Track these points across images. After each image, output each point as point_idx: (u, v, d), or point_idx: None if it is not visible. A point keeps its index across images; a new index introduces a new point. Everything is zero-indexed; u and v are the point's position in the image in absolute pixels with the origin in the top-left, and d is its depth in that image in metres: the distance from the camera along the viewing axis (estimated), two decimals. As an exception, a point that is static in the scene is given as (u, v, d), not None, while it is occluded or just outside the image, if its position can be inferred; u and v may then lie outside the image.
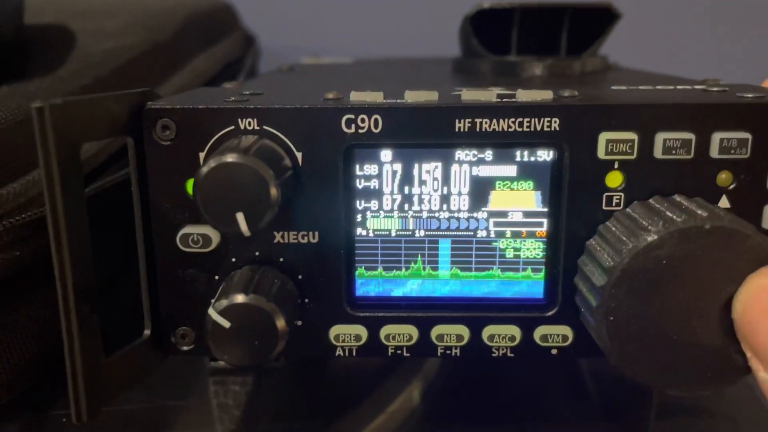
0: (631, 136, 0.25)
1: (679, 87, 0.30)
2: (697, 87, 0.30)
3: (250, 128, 0.26)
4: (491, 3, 0.40)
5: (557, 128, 0.26)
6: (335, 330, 0.28)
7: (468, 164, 0.27)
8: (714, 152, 0.25)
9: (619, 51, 0.49)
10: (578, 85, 0.35)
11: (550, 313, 0.28)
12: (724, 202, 0.26)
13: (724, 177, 0.26)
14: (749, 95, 0.26)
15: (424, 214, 0.28)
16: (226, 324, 0.24)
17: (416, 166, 0.27)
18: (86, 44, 0.44)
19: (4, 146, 0.31)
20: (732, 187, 0.26)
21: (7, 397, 0.31)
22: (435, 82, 0.40)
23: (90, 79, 0.40)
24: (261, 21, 0.73)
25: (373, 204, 0.28)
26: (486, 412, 0.33)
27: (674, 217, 0.23)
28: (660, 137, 0.25)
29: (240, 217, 0.23)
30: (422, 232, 0.28)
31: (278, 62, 0.57)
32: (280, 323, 0.24)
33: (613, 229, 0.25)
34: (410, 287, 0.29)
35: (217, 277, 0.27)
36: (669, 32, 0.73)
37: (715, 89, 0.28)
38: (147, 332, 0.28)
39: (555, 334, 0.28)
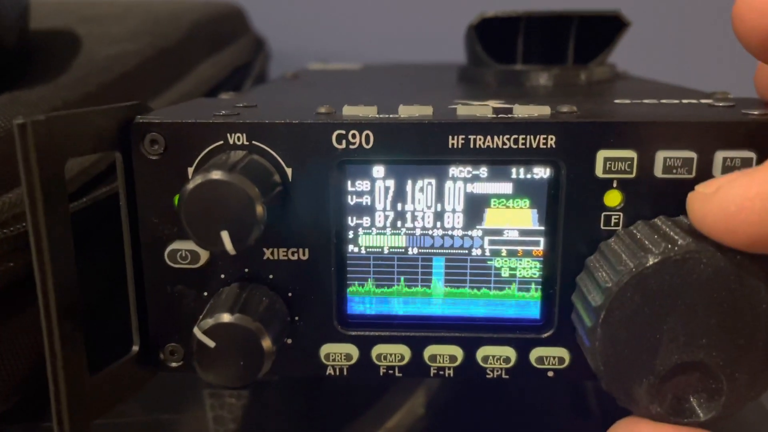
0: (630, 154, 0.25)
1: (684, 101, 0.29)
2: (703, 101, 0.29)
3: (239, 143, 0.25)
4: (495, 11, 0.39)
5: (554, 145, 0.25)
6: (326, 349, 0.28)
7: (462, 181, 0.26)
8: (717, 171, 0.24)
9: (628, 59, 0.48)
10: (582, 97, 0.34)
11: (546, 335, 0.27)
12: (727, 223, 0.25)
13: (727, 197, 0.25)
14: (754, 112, 0.25)
15: (418, 232, 0.27)
16: (211, 344, 0.24)
17: (409, 182, 0.26)
18: (91, 50, 0.44)
19: (0, 155, 0.30)
20: None
21: (1, 408, 0.31)
22: (437, 91, 0.39)
23: (94, 87, 0.39)
24: (272, 24, 0.72)
25: (365, 221, 0.27)
26: (485, 428, 0.33)
27: (678, 239, 0.22)
28: (660, 156, 0.25)
29: (225, 235, 0.23)
30: (415, 250, 0.27)
31: (289, 65, 0.57)
32: (266, 343, 0.24)
33: (614, 247, 0.24)
34: (403, 306, 0.28)
35: (205, 294, 0.27)
36: (679, 40, 0.72)
37: (721, 104, 0.27)
38: (135, 348, 0.27)
39: (551, 356, 0.27)
